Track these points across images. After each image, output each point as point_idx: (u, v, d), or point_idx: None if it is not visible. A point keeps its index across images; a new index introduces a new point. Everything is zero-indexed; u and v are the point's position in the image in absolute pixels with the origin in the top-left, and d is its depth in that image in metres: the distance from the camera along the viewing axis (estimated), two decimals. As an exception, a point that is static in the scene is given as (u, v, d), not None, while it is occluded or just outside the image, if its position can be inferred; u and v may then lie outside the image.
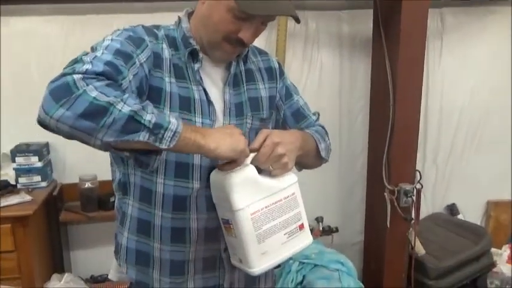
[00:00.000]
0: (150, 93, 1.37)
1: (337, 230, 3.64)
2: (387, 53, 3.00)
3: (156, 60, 1.40)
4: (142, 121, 1.15)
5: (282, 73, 1.68)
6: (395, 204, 2.99)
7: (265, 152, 1.36)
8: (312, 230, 2.94)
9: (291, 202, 1.43)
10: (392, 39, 2.95)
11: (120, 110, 1.13)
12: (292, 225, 1.44)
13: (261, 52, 1.67)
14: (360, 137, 3.64)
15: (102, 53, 1.26)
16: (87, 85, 1.13)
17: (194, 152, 1.27)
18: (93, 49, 1.31)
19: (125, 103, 1.14)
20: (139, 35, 1.39)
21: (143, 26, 1.46)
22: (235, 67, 1.54)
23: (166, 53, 1.43)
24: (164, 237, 1.50)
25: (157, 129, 1.16)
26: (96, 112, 1.11)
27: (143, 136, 1.15)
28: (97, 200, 3.21)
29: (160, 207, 1.48)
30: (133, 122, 1.14)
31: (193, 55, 1.47)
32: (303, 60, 3.50)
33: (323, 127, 1.72)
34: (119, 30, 1.40)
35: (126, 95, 1.16)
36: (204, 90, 1.46)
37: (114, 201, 1.63)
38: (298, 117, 1.69)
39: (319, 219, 3.63)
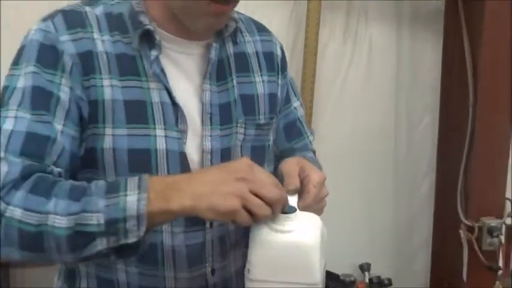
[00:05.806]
0: (90, 113, 1.22)
1: (390, 283, 3.20)
2: (466, 29, 2.77)
3: (86, 63, 1.24)
4: (89, 229, 1.04)
5: (285, 65, 1.56)
6: (476, 247, 2.75)
7: (315, 194, 1.25)
8: (353, 283, 2.89)
9: None
10: (474, 9, 2.73)
11: (54, 227, 1.03)
12: None
13: (261, 29, 1.55)
14: (425, 149, 3.27)
15: (16, 122, 1.12)
16: (8, 204, 1.04)
17: (178, 217, 1.17)
18: (3, 97, 1.17)
19: (56, 214, 1.03)
20: (51, 41, 1.21)
21: (62, 12, 1.26)
22: (217, 50, 1.37)
23: (100, 44, 1.26)
24: None
25: (113, 227, 1.04)
26: (30, 240, 1.04)
27: (101, 244, 1.05)
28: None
29: None
30: (79, 237, 1.04)
31: (150, 39, 1.31)
32: (344, 39, 3.09)
33: (315, 153, 1.64)
34: (27, 36, 1.23)
35: (53, 200, 1.04)
36: (166, 87, 1.29)
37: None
38: (292, 133, 1.57)
39: (364, 267, 3.19)
